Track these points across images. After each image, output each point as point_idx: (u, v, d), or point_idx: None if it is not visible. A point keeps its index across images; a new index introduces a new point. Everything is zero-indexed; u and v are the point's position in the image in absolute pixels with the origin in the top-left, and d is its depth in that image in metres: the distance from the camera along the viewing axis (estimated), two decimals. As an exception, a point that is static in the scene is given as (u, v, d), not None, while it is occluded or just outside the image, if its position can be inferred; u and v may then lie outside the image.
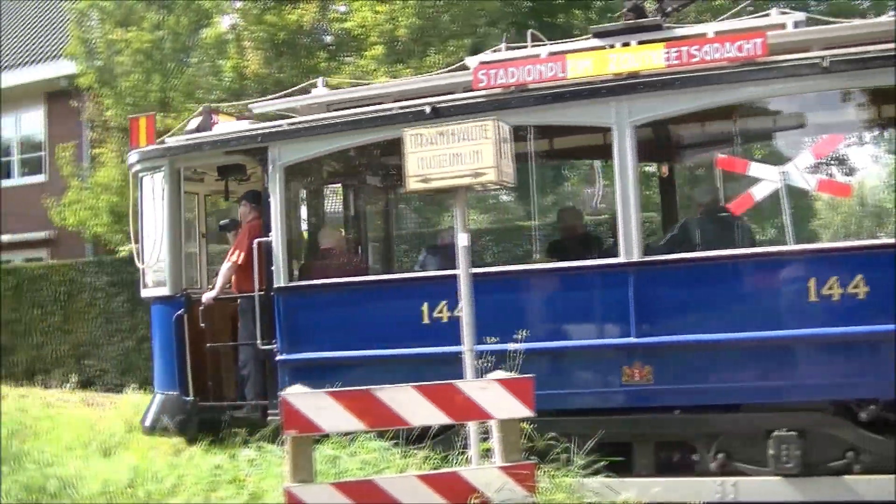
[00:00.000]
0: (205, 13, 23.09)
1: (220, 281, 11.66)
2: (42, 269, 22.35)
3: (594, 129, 10.35)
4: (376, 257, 13.68)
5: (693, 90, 9.24)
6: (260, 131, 10.97)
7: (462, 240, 7.70)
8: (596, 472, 8.39)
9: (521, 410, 6.81)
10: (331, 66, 20.70)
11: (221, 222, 13.20)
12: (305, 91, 11.80)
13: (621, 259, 9.36)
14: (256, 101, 12.17)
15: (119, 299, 20.68)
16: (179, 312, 11.54)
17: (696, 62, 9.16)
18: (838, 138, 9.65)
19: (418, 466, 8.37)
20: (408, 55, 20.03)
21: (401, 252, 13.71)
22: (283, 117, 11.38)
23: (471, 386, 6.91)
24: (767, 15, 10.07)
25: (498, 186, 7.71)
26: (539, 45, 10.59)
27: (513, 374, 7.51)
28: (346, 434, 8.60)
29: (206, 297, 11.57)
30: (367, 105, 10.77)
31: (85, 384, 20.52)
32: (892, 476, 8.44)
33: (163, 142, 11.88)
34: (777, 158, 11.91)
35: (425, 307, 9.93)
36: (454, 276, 9.21)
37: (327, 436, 8.39)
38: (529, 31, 11.04)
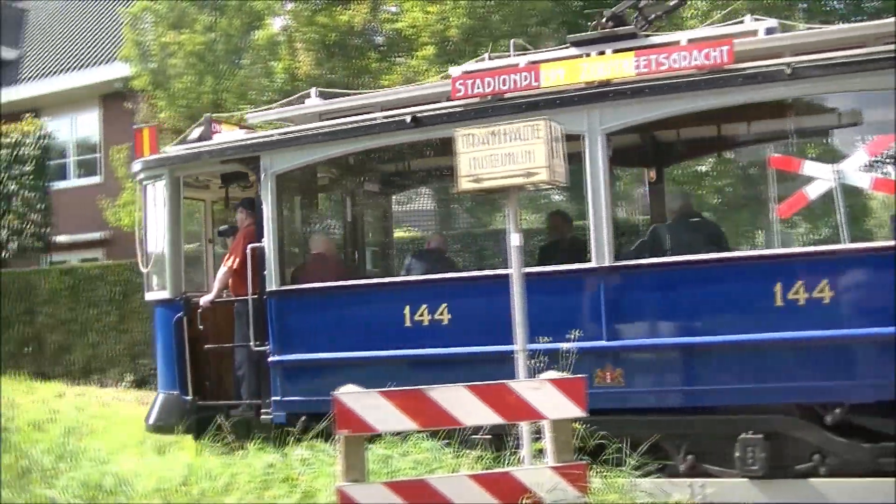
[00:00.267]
0: (257, 15, 23.20)
1: (216, 285, 11.97)
2: (98, 270, 22.56)
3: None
4: (363, 262, 13.94)
5: (661, 98, 9.35)
6: (252, 141, 11.37)
7: (514, 240, 7.71)
8: (647, 473, 8.35)
9: (573, 410, 6.80)
10: (382, 66, 20.76)
11: (220, 228, 13.37)
12: (301, 101, 12.14)
13: (593, 264, 9.52)
14: (253, 112, 12.65)
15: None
16: (179, 315, 11.92)
17: (665, 70, 9.30)
18: (890, 138, 9.55)
19: (470, 466, 8.37)
20: (459, 55, 20.01)
21: (387, 257, 13.99)
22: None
23: (523, 386, 6.91)
24: (741, 22, 10.20)
25: (550, 186, 7.71)
26: (521, 55, 10.78)
27: (565, 374, 7.49)
28: (399, 434, 8.61)
29: (204, 300, 11.91)
30: (358, 114, 11.06)
31: (140, 383, 20.70)
32: (857, 479, 8.51)
33: (164, 151, 12.28)
34: (831, 157, 11.84)
35: (407, 310, 10.20)
36: (434, 281, 10.46)
37: (379, 435, 8.39)
38: (512, 41, 11.36)
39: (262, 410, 11.04)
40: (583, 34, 10.90)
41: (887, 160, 10.12)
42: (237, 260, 11.68)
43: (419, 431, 8.56)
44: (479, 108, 10.04)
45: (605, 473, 8.13)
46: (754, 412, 9.00)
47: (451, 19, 19.97)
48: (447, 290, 10.32)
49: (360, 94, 12.43)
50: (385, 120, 10.51)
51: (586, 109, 9.60)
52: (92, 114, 30.29)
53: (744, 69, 9.05)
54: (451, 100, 10.22)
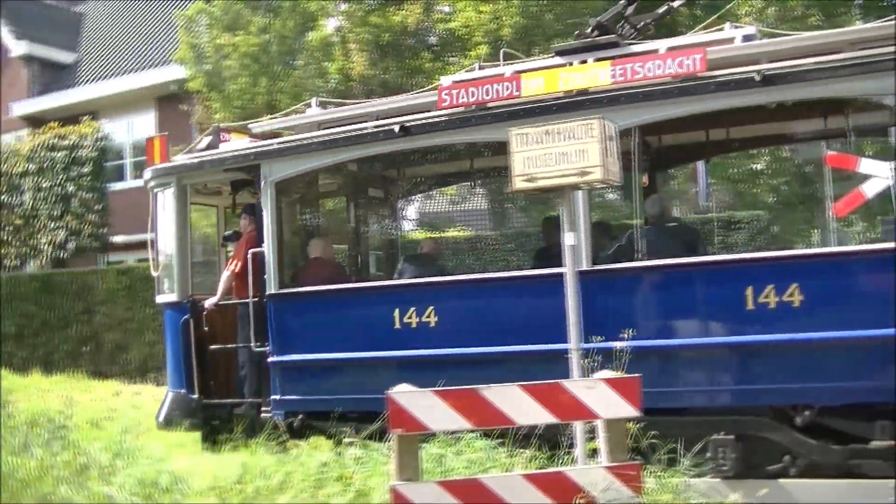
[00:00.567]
0: (310, 16, 23.31)
1: (220, 288, 12.40)
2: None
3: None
4: (359, 266, 14.20)
5: (637, 105, 9.50)
6: (252, 150, 11.80)
7: (568, 239, 7.69)
8: (701, 474, 8.30)
9: (627, 410, 6.76)
10: (435, 66, 20.77)
11: (224, 233, 13.89)
12: (302, 110, 12.64)
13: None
14: (255, 122, 13.09)
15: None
16: (186, 317, 12.41)
17: (640, 78, 9.47)
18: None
19: (524, 466, 8.35)
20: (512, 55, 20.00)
21: (381, 261, 14.39)
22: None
23: (577, 385, 6.88)
24: (721, 29, 10.35)
25: (604, 185, 7.69)
26: (510, 64, 11.06)
27: (619, 374, 7.46)
28: (452, 433, 8.61)
29: (209, 303, 12.38)
30: (355, 123, 11.41)
31: (196, 382, 20.84)
32: (828, 480, 8.62)
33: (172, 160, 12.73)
34: (888, 155, 11.73)
35: (396, 313, 10.58)
36: (421, 284, 10.91)
37: (433, 434, 8.41)
38: (502, 50, 11.75)
39: (263, 409, 11.51)
40: (567, 43, 11.27)
41: None
42: (239, 264, 12.07)
43: (472, 431, 8.56)
44: (464, 118, 10.37)
45: (658, 473, 8.09)
46: (726, 414, 9.12)
47: (504, 18, 19.94)
48: (434, 293, 10.65)
49: (356, 103, 12.81)
50: (375, 129, 10.90)
51: (566, 118, 9.32)
52: (148, 116, 30.59)
53: (716, 77, 9.21)
54: (438, 109, 10.53)
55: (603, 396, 6.73)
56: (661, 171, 13.82)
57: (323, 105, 12.73)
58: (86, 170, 25.42)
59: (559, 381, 6.93)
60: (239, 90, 22.55)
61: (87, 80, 33.10)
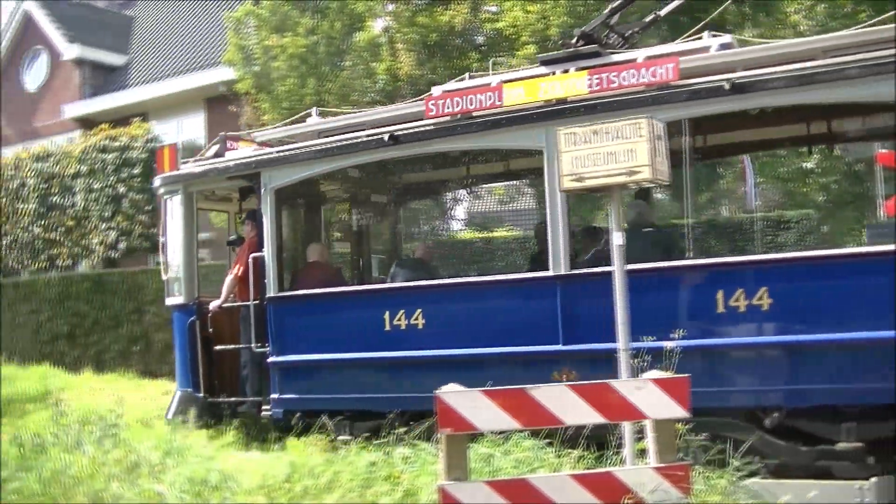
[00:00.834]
0: (358, 17, 23.36)
1: (224, 291, 12.88)
2: (203, 270, 22.89)
3: None
4: (359, 270, 14.75)
5: (612, 114, 9.44)
6: (253, 159, 12.32)
7: (617, 238, 7.66)
8: (752, 474, 8.23)
9: (676, 411, 6.74)
10: (483, 66, 20.76)
11: (229, 238, 14.46)
12: (303, 119, 13.06)
13: (550, 272, 10.12)
14: (260, 131, 13.61)
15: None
16: (192, 319, 12.95)
17: (615, 87, 9.78)
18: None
19: (572, 466, 8.33)
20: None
21: (374, 264, 14.76)
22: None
23: (626, 385, 6.86)
24: (700, 38, 10.61)
25: (652, 184, 7.67)
26: (497, 74, 11.50)
27: (668, 374, 7.42)
28: (500, 433, 8.61)
29: (213, 305, 12.89)
30: (353, 131, 11.80)
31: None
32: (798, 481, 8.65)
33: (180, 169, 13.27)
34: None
35: (387, 316, 11.02)
36: (409, 288, 11.45)
37: (481, 434, 8.41)
38: (492, 60, 12.37)
39: (263, 407, 12.02)
40: (551, 53, 11.58)
41: None
42: (241, 268, 12.59)
43: (521, 430, 8.56)
44: (450, 127, 10.77)
45: (707, 474, 8.04)
46: (698, 415, 9.08)
47: (551, 18, 19.86)
48: (422, 296, 11.10)
49: (352, 113, 13.37)
50: (367, 138, 11.30)
51: (544, 126, 10.08)
52: (197, 117, 30.83)
53: (688, 85, 9.44)
54: (426, 118, 10.91)
55: (651, 396, 6.71)
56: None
57: (323, 115, 13.19)
58: (136, 171, 25.57)
59: (608, 381, 6.93)
60: (287, 91, 22.63)
61: (138, 83, 33.41)
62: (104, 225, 25.57)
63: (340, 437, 10.83)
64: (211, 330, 12.92)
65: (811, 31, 10.16)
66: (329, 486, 8.33)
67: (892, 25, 9.08)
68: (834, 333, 8.67)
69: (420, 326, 10.84)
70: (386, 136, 11.00)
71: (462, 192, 17.86)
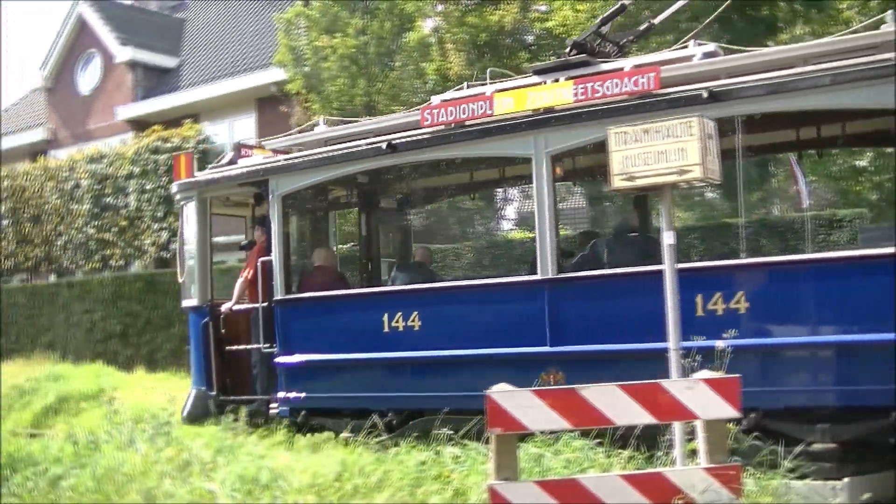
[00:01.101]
0: (408, 17, 23.42)
1: (235, 293, 13.32)
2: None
3: None
4: (356, 273, 15.15)
5: (596, 122, 10.03)
6: (261, 167, 12.76)
7: (667, 238, 7.62)
8: (804, 476, 8.16)
9: (727, 411, 6.69)
10: (533, 65, 20.74)
11: (241, 243, 14.99)
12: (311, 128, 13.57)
13: (538, 276, 10.47)
14: (269, 139, 14.00)
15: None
16: (205, 320, 13.38)
17: (599, 97, 10.10)
18: None
19: (622, 466, 8.30)
20: (606, 54, 19.87)
21: (376, 268, 14.86)
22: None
23: (677, 386, 6.82)
24: (686, 47, 10.90)
25: (703, 184, 7.63)
26: (495, 83, 11.70)
27: (719, 374, 7.38)
28: (551, 433, 8.60)
29: (225, 307, 13.31)
30: (358, 139, 12.24)
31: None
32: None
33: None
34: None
35: (385, 318, 11.43)
36: (406, 291, 11.89)
37: (531, 434, 8.41)
38: (488, 70, 12.38)
39: (271, 405, 12.41)
40: (543, 63, 12.18)
41: None
42: (251, 272, 13.02)
43: (571, 430, 8.54)
44: (444, 135, 11.17)
45: (758, 475, 7.98)
46: None
47: (600, 16, 19.80)
48: (418, 299, 11.53)
49: (357, 121, 13.64)
50: (367, 147, 11.73)
51: (532, 134, 10.51)
52: (248, 118, 30.97)
53: (668, 94, 9.71)
54: (421, 127, 11.33)
55: (702, 397, 6.66)
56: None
57: (330, 123, 13.61)
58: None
59: (659, 380, 6.89)
60: (337, 91, 22.74)
61: (189, 84, 33.65)
62: (156, 225, 25.82)
63: (343, 435, 11.03)
64: (223, 331, 13.37)
65: (864, 28, 10.05)
66: (379, 485, 8.35)
67: (869, 33, 9.40)
68: (808, 337, 8.98)
69: (416, 328, 11.25)
70: (384, 145, 11.42)
71: (464, 197, 18.06)
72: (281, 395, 12.20)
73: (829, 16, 19.12)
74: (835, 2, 19.38)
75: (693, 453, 7.30)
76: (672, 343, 7.53)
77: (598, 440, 8.71)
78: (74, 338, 24.97)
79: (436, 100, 11.83)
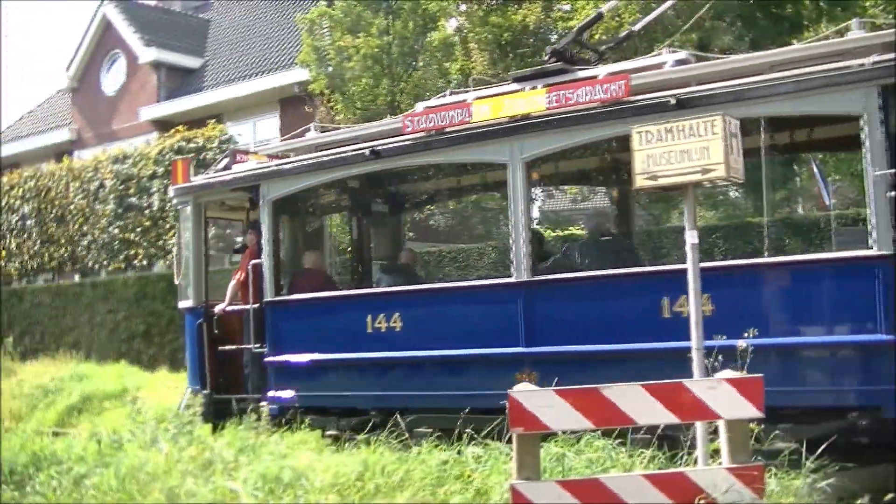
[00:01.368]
0: (431, 17, 23.42)
1: (228, 295, 13.70)
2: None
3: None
4: (343, 275, 15.68)
5: (568, 129, 10.35)
6: (252, 172, 13.14)
7: (691, 237, 7.59)
8: (827, 476, 8.11)
9: (749, 411, 6.66)
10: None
11: (235, 246, 15.63)
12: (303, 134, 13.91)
13: (513, 279, 10.69)
14: (263, 146, 14.50)
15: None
16: (200, 321, 13.69)
17: (572, 104, 10.28)
18: None
19: (644, 466, 8.27)
20: (634, 52, 19.81)
21: (363, 271, 15.18)
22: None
23: (699, 385, 6.80)
24: (660, 54, 11.11)
25: (727, 183, 7.60)
26: (478, 90, 11.94)
27: (742, 374, 7.34)
28: (573, 432, 8.59)
29: (218, 308, 13.68)
30: (348, 145, 12.56)
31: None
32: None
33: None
34: None
35: (368, 319, 11.67)
36: (389, 293, 12.14)
37: (553, 433, 8.39)
38: (472, 78, 13.00)
39: (261, 404, 12.17)
40: (522, 71, 12.51)
41: None
42: (243, 274, 13.35)
43: (593, 430, 8.53)
44: (425, 142, 11.40)
45: (781, 476, 7.93)
46: None
47: (624, 16, 19.76)
48: (399, 301, 11.76)
49: (348, 128, 14.18)
50: (353, 153, 12.02)
51: (508, 141, 10.73)
52: (272, 118, 31.05)
53: (637, 101, 9.89)
54: (403, 134, 11.57)
55: (725, 396, 6.64)
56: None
57: (322, 129, 13.94)
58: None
59: (681, 380, 6.88)
60: (361, 91, 22.77)
61: (213, 85, 33.77)
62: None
63: (329, 432, 11.50)
64: (217, 331, 13.65)
65: (889, 25, 10.08)
66: (401, 485, 8.35)
67: (836, 40, 9.72)
68: (771, 338, 8.98)
69: (398, 329, 11.49)
70: (368, 152, 11.69)
71: (449, 201, 19.00)
72: (271, 393, 12.46)
73: (854, 13, 19.00)
74: (859, 0, 19.28)
75: (715, 453, 7.28)
76: (694, 342, 7.50)
77: (620, 440, 8.69)
78: (98, 337, 25.10)
79: (420, 106, 11.99)
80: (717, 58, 10.51)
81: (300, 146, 13.52)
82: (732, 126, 7.41)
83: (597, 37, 20.18)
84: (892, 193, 8.52)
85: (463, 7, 23.33)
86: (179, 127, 27.28)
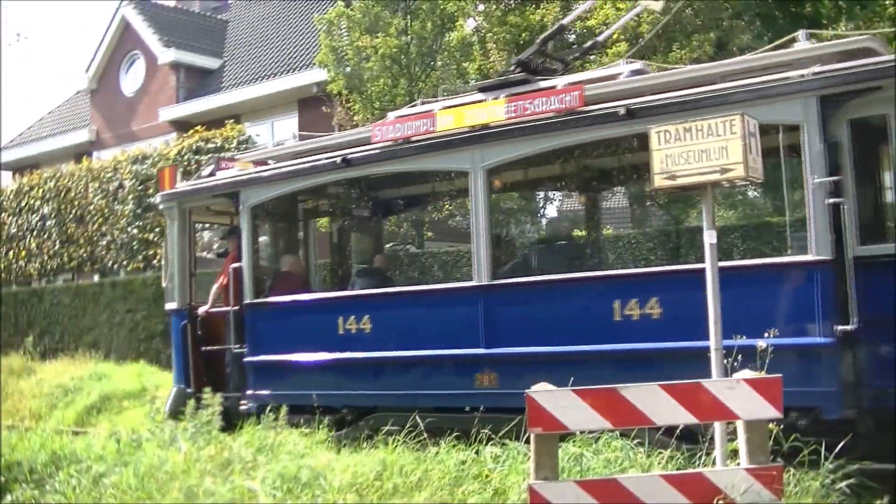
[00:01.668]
0: (449, 17, 23.42)
1: (211, 297, 14.14)
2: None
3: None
4: (321, 278, 16.23)
5: (526, 138, 10.76)
6: (233, 179, 13.58)
7: (709, 237, 7.58)
8: (847, 476, 8.07)
9: (768, 411, 6.64)
10: (574, 64, 20.69)
11: (218, 251, 16.35)
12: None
13: (474, 282, 11.10)
14: (245, 153, 15.06)
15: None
16: (184, 322, 14.18)
17: (529, 114, 10.68)
18: None
19: (662, 466, 8.26)
20: (651, 51, 19.79)
21: (339, 274, 15.70)
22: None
23: (718, 386, 6.78)
24: (617, 65, 11.60)
25: (746, 182, 7.58)
26: (445, 100, 12.55)
27: (761, 374, 7.32)
28: (591, 432, 8.58)
29: (201, 310, 14.14)
30: (324, 153, 12.86)
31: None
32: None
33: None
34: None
35: (340, 321, 12.10)
36: (358, 296, 12.67)
37: (572, 433, 8.39)
38: (441, 87, 13.31)
39: (241, 402, 12.99)
40: (486, 81, 13.07)
41: None
42: (225, 278, 13.77)
43: (611, 430, 8.52)
44: (392, 150, 11.85)
45: (799, 476, 7.90)
46: None
47: (642, 15, 19.72)
48: (368, 303, 12.20)
49: (324, 136, 14.27)
50: (326, 161, 12.41)
51: (469, 150, 11.14)
52: (290, 118, 31.09)
53: (590, 111, 10.28)
54: (372, 143, 11.97)
55: (744, 397, 6.63)
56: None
57: (302, 138, 14.43)
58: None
59: (700, 380, 6.86)
60: (379, 91, 22.79)
61: (232, 85, 33.83)
62: (199, 226, 25.95)
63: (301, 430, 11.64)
64: (202, 332, 14.08)
65: (835, 37, 10.32)
66: (419, 485, 8.36)
67: (783, 51, 9.96)
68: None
69: (367, 331, 11.91)
70: (339, 160, 12.13)
71: (419, 207, 19.29)
72: (249, 392, 12.85)
73: (874, 12, 18.94)
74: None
75: (734, 454, 7.26)
76: (713, 343, 7.47)
77: (638, 440, 8.69)
78: (117, 337, 25.16)
79: (391, 116, 12.47)
80: (670, 69, 10.94)
81: (280, 154, 14.08)
82: (751, 126, 7.38)
83: (615, 36, 20.22)
84: (831, 201, 8.82)
85: (481, 7, 23.32)
86: (198, 127, 27.30)
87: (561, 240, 12.09)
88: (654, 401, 6.68)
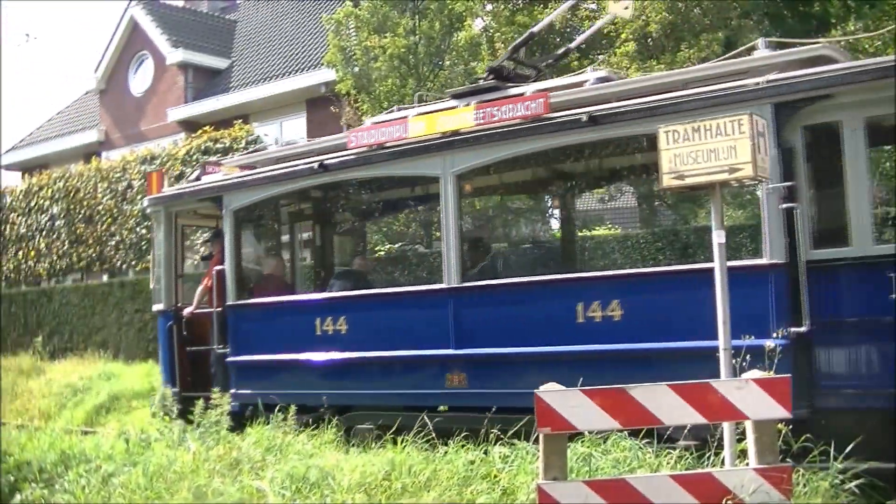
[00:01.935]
0: (457, 17, 23.40)
1: (195, 299, 14.37)
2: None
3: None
4: (301, 281, 16.31)
5: (494, 144, 10.95)
6: (216, 184, 13.85)
7: (718, 237, 7.57)
8: (857, 476, 8.05)
9: (777, 411, 6.63)
10: (583, 64, 20.68)
11: (203, 254, 16.80)
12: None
13: (444, 285, 11.27)
14: (230, 159, 15.35)
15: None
16: (170, 323, 14.49)
17: (496, 121, 10.88)
18: None
19: (671, 466, 8.25)
20: (660, 51, 19.78)
21: (318, 276, 15.82)
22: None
23: (727, 386, 6.77)
24: (584, 72, 11.89)
25: (754, 182, 7.58)
26: (420, 106, 12.74)
27: (769, 374, 7.31)
28: (600, 432, 8.58)
29: (186, 311, 14.41)
30: (304, 158, 13.13)
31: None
32: None
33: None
34: None
35: (317, 322, 12.35)
36: (336, 298, 12.83)
37: (580, 433, 8.38)
38: (417, 94, 13.64)
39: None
40: (459, 88, 13.19)
41: None
42: (209, 280, 14.01)
43: (620, 430, 8.51)
44: (367, 156, 12.04)
45: (809, 476, 7.88)
46: None
47: (651, 15, 19.72)
48: (344, 305, 12.45)
49: (304, 142, 14.78)
50: (304, 166, 12.68)
51: (440, 155, 11.35)
52: (298, 118, 31.12)
53: (554, 118, 10.46)
54: (348, 148, 12.19)
55: (752, 397, 6.61)
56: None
57: (286, 143, 14.67)
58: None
59: (709, 380, 6.85)
60: (387, 91, 22.77)
61: (240, 85, 33.87)
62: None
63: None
64: (188, 333, 14.40)
65: (792, 44, 10.36)
66: (427, 485, 8.37)
67: (742, 59, 10.13)
68: (678, 342, 9.39)
69: (343, 332, 12.14)
70: (316, 165, 12.33)
71: (396, 211, 19.72)
72: (232, 391, 12.94)
73: (883, 11, 18.89)
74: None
75: (743, 454, 7.25)
76: (722, 342, 7.47)
77: (647, 440, 8.68)
78: (126, 337, 25.19)
79: (368, 122, 12.72)
80: (642, 78, 11.08)
81: (263, 159, 14.23)
82: (760, 125, 7.37)
83: (623, 35, 20.22)
84: (785, 205, 8.94)
85: (489, 7, 23.31)
86: (206, 127, 27.32)
87: (528, 243, 12.13)
88: (663, 401, 6.67)
